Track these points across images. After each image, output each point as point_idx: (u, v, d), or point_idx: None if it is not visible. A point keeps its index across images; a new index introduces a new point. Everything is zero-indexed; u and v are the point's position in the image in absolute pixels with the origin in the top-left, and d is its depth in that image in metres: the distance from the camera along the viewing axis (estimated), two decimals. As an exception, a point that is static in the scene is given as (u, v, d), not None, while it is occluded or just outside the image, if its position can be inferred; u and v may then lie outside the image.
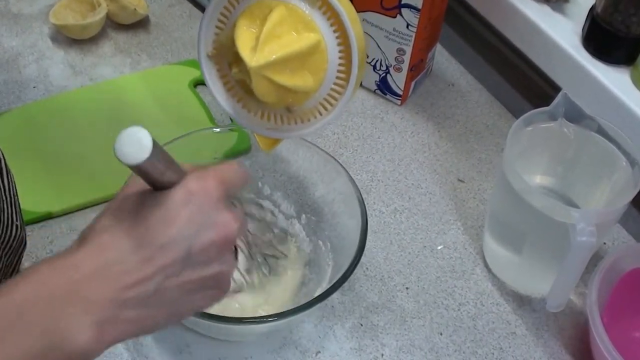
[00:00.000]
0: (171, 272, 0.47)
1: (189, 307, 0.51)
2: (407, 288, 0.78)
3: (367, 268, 0.79)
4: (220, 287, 0.51)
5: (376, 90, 0.98)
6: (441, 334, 0.75)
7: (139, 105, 0.92)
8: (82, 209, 0.81)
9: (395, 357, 0.73)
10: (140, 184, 0.49)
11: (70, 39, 1.00)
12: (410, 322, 0.75)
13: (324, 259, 0.75)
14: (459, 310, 0.77)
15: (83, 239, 0.47)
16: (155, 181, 0.47)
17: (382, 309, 0.76)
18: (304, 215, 0.79)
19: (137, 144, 0.43)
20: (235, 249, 0.55)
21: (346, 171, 0.74)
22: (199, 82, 0.96)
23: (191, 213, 0.47)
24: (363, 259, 0.72)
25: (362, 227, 0.69)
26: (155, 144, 0.43)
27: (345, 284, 0.72)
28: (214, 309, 0.67)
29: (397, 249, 0.82)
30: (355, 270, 0.70)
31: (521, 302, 0.78)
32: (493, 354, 0.74)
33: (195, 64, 0.98)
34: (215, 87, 0.64)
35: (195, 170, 0.50)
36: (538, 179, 0.81)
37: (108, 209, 0.49)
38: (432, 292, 0.78)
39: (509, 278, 0.80)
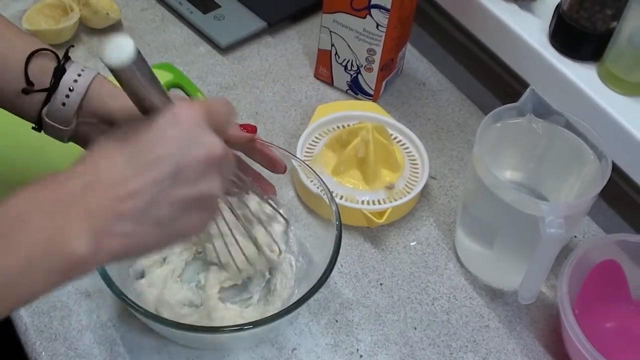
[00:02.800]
0: (162, 187, 0.48)
1: (179, 228, 0.51)
2: (381, 284, 0.78)
3: (341, 265, 0.79)
4: (207, 209, 0.52)
5: (348, 91, 0.98)
6: (415, 329, 0.75)
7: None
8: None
9: (371, 352, 0.72)
10: (131, 119, 0.51)
11: (42, 43, 0.99)
12: (384, 317, 0.75)
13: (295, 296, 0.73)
14: (432, 304, 0.77)
15: (81, 158, 0.50)
16: (140, 96, 0.49)
17: (356, 305, 0.76)
18: (301, 258, 0.76)
19: (121, 48, 0.45)
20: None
21: (319, 177, 0.74)
22: (173, 85, 0.95)
23: (178, 132, 0.49)
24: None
25: (336, 236, 0.69)
26: (139, 54, 0.45)
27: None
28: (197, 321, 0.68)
29: (370, 246, 0.82)
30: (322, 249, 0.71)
31: (494, 295, 0.79)
32: (467, 346, 0.74)
33: (168, 67, 0.97)
34: None
35: (185, 100, 0.53)
36: (508, 174, 0.81)
37: (103, 137, 0.51)
38: (406, 287, 0.78)
39: (482, 272, 0.80)
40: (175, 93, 0.69)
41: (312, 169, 0.76)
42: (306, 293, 0.65)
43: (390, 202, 0.82)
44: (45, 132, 0.65)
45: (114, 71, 0.46)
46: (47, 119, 0.63)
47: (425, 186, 0.86)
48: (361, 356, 0.72)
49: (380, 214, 0.81)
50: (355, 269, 0.79)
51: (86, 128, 0.64)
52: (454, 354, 0.73)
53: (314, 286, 0.65)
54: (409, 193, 0.84)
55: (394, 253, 0.81)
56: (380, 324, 0.75)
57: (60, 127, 0.63)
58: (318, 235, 0.74)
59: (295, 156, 0.78)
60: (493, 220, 0.75)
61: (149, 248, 0.51)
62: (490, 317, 0.76)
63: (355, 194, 0.83)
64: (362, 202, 0.82)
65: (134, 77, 0.47)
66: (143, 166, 0.48)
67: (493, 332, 0.75)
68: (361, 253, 0.81)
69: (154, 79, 0.49)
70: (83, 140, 0.65)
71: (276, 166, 0.73)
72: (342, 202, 0.82)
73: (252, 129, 0.69)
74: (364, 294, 0.77)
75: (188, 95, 0.94)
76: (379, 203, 0.82)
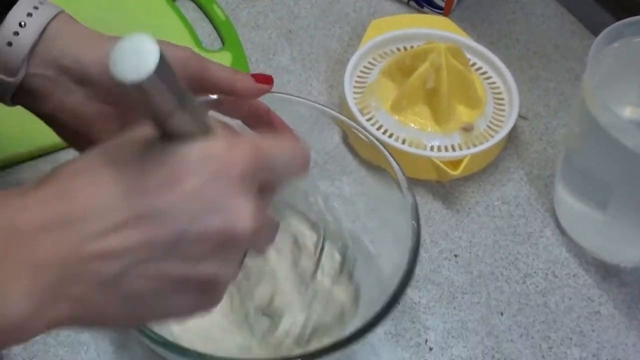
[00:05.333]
0: (149, 254, 0.43)
1: (158, 310, 0.46)
2: (455, 256, 0.77)
3: (403, 230, 0.77)
4: (209, 295, 0.47)
5: (410, 2, 0.96)
6: (502, 314, 0.73)
7: (105, 25, 0.89)
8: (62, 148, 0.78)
9: (443, 344, 0.71)
10: (152, 130, 0.45)
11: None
12: (461, 299, 0.74)
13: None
14: (524, 283, 0.75)
15: (49, 176, 0.43)
16: (164, 119, 0.43)
17: (424, 283, 0.74)
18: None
19: (139, 55, 0.39)
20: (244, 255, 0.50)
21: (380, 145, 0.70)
22: (179, -7, 0.93)
23: (201, 184, 0.43)
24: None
25: (412, 245, 0.64)
26: (164, 61, 0.40)
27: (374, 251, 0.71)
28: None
29: (441, 206, 0.80)
30: (387, 234, 0.69)
31: (607, 272, 0.77)
32: (571, 339, 0.72)
33: (173, -31, 0.94)
34: None
35: (232, 133, 0.46)
36: (628, 112, 0.77)
37: (99, 146, 0.45)
38: (489, 260, 0.77)
39: (590, 242, 0.77)
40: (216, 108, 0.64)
41: (370, 136, 0.71)
42: (375, 316, 0.59)
43: (468, 148, 0.81)
44: None
45: (131, 92, 0.40)
46: None
47: (514, 128, 0.84)
48: (431, 349, 0.70)
49: (455, 163, 0.79)
50: (423, 237, 0.76)
51: (40, 83, 0.59)
52: (553, 348, 0.71)
53: (387, 304, 0.60)
54: (492, 137, 0.82)
55: (473, 215, 0.80)
56: (456, 307, 0.73)
57: (3, 77, 0.59)
58: (376, 194, 0.71)
59: (342, 116, 0.73)
60: (608, 173, 0.72)
61: (108, 324, 0.47)
62: (602, 301, 0.74)
63: (422, 138, 0.81)
64: (431, 148, 0.80)
65: (160, 95, 0.41)
66: (137, 216, 0.42)
67: (606, 321, 0.73)
68: (429, 215, 0.79)
69: (188, 99, 0.43)
70: (35, 100, 0.61)
71: None
72: (405, 147, 0.80)
73: (267, 80, 0.64)
74: (433, 268, 0.76)
75: (199, 8, 0.92)
76: (454, 149, 0.81)
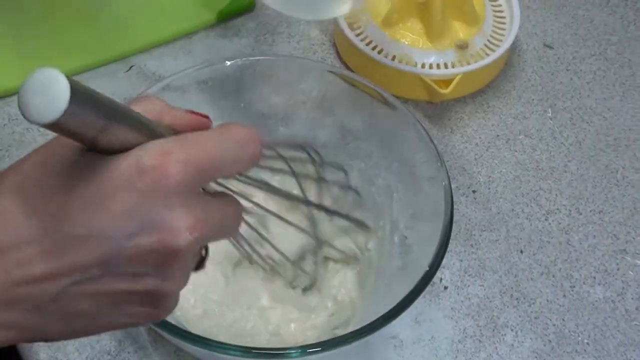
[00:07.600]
0: (84, 277, 0.42)
1: (104, 323, 0.46)
2: (473, 191, 0.75)
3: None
4: (158, 305, 0.46)
5: None
6: (521, 252, 0.72)
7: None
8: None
9: (459, 283, 0.69)
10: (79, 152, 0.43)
11: None
12: (479, 236, 0.73)
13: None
14: (546, 220, 0.74)
15: None
16: (92, 141, 0.41)
17: (439, 220, 0.73)
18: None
19: (48, 92, 0.37)
20: (206, 253, 0.50)
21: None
22: None
23: (132, 201, 0.41)
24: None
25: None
26: (78, 89, 0.38)
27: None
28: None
29: (460, 140, 0.79)
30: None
31: (634, 209, 0.75)
32: (594, 278, 0.70)
33: None
34: None
35: (186, 130, 0.45)
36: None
37: (22, 161, 0.43)
38: (509, 196, 0.75)
39: None
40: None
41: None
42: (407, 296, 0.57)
43: (462, 66, 0.78)
44: None
45: (48, 127, 0.38)
46: None
47: (538, 58, 0.84)
48: (446, 287, 0.69)
49: (447, 83, 0.77)
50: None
51: None
52: (575, 287, 0.70)
53: (416, 285, 0.58)
54: (488, 56, 0.80)
55: (492, 150, 0.78)
56: (473, 245, 0.72)
57: None
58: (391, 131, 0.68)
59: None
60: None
61: (53, 340, 0.46)
62: (628, 239, 0.73)
63: (413, 54, 0.79)
64: (422, 66, 0.78)
65: (81, 125, 0.39)
66: (63, 242, 0.41)
67: (632, 259, 0.72)
68: (446, 150, 0.78)
69: (114, 109, 0.41)
70: None
71: None
72: (395, 64, 0.79)
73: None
74: (449, 204, 0.74)
75: None
76: (446, 67, 0.79)
